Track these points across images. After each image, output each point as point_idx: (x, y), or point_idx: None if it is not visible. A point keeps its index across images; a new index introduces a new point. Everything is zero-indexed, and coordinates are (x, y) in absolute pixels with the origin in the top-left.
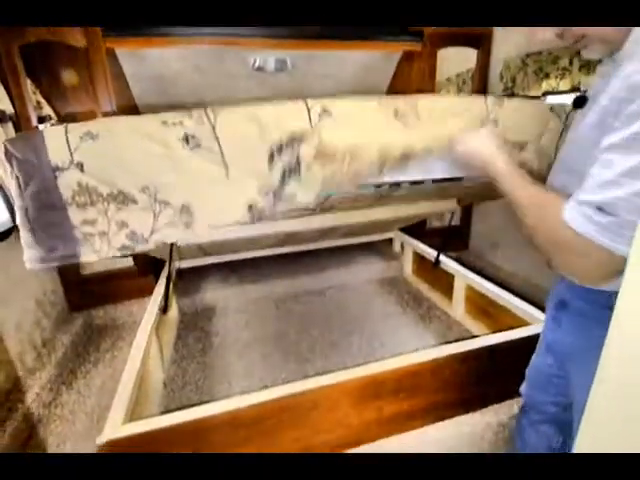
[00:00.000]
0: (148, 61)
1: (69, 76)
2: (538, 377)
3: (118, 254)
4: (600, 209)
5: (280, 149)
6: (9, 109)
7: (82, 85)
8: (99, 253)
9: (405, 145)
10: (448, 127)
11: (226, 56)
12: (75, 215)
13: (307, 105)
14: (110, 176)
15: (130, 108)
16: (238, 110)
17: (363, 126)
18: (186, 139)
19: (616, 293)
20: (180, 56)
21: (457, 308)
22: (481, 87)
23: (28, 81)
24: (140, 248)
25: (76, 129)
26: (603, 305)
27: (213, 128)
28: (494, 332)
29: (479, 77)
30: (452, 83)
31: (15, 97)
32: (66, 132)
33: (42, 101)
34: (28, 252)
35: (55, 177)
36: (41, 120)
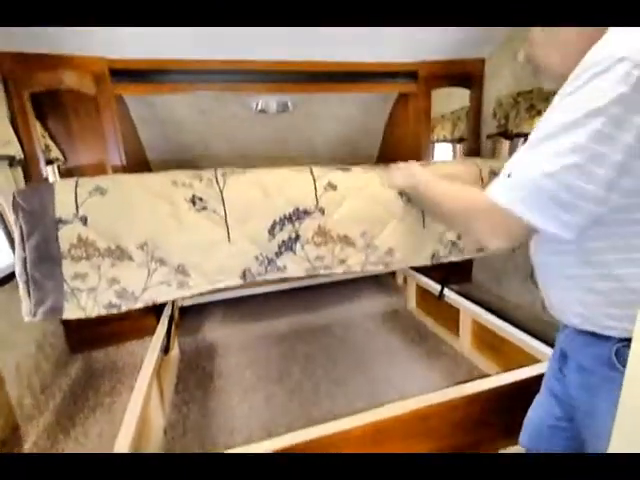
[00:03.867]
0: (155, 106)
1: (78, 121)
2: (541, 430)
3: (103, 312)
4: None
5: (283, 222)
6: (19, 154)
7: (91, 129)
8: (84, 311)
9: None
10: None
11: (229, 100)
12: (68, 268)
13: (313, 176)
14: (112, 230)
15: (137, 152)
16: (246, 175)
17: (367, 200)
18: (193, 201)
19: (617, 351)
20: (185, 101)
21: (464, 343)
22: (475, 124)
23: (38, 124)
24: (127, 307)
25: (86, 183)
26: (604, 362)
27: (221, 192)
28: (503, 370)
29: (473, 114)
30: (447, 120)
31: (25, 141)
32: (76, 186)
33: (50, 144)
34: (23, 304)
35: (57, 229)
36: (49, 162)
